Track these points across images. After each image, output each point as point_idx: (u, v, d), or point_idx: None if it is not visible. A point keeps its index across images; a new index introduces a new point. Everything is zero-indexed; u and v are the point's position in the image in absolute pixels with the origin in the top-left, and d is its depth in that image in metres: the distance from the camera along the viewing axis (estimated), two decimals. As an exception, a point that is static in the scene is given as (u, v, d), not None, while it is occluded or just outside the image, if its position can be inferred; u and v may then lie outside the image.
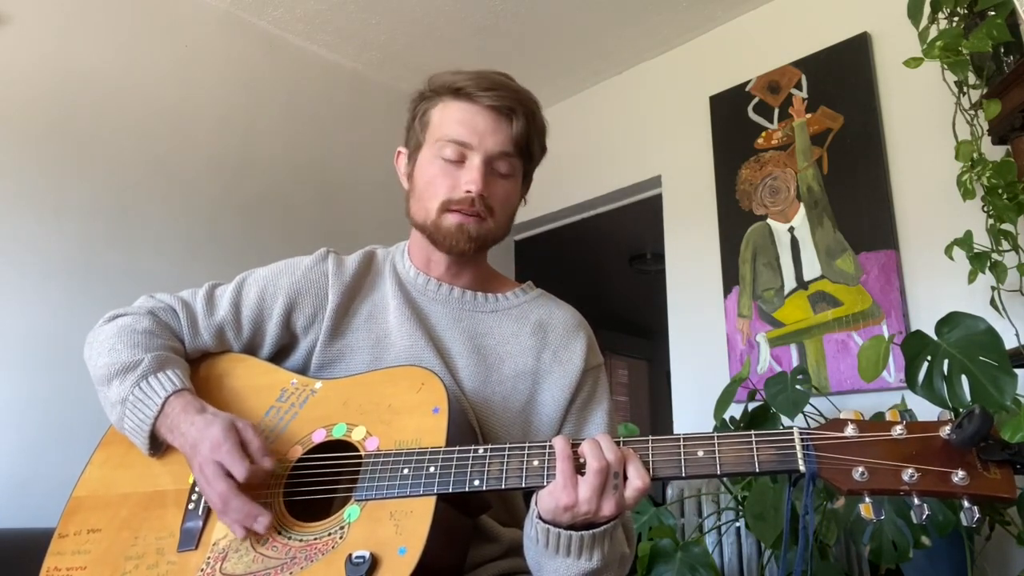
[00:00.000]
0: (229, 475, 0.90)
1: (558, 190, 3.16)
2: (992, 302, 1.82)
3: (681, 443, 0.82)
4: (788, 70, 2.57)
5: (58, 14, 2.27)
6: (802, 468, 0.76)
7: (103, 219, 2.25)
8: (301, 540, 0.89)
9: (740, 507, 2.00)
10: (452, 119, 1.06)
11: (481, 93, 1.05)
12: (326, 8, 2.69)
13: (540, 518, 0.86)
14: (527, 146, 1.08)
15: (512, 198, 1.11)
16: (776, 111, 2.57)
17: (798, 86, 2.53)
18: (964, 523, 0.71)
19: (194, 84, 2.55)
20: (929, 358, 1.53)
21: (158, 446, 1.01)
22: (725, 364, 2.51)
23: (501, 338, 1.11)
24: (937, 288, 2.12)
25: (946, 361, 1.50)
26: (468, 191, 1.04)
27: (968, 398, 1.45)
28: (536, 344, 1.11)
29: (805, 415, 1.94)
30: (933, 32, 1.86)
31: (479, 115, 1.05)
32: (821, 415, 1.99)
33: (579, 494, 0.81)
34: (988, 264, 1.80)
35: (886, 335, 2.16)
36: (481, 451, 0.87)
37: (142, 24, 2.46)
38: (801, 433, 0.78)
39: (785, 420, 1.90)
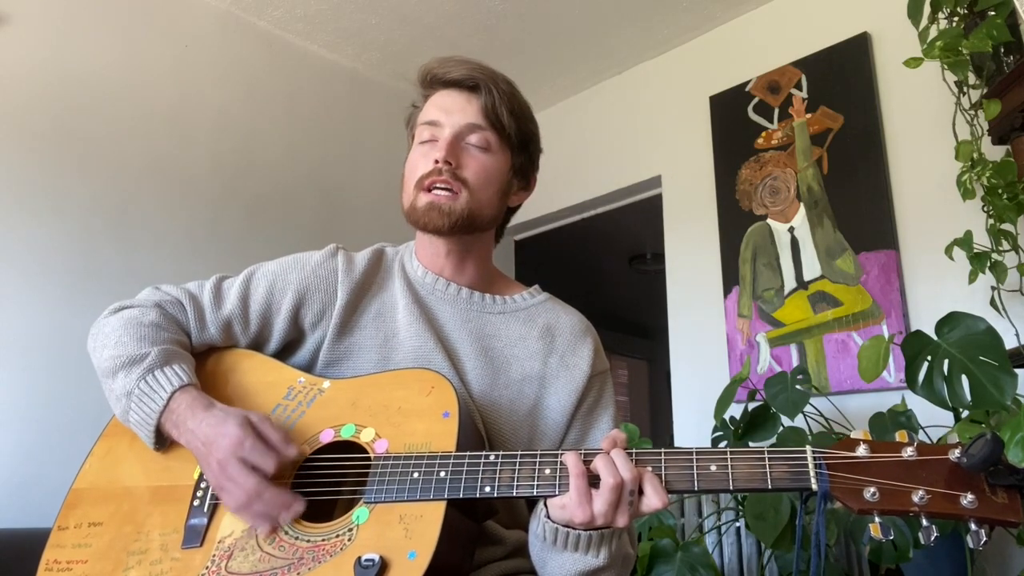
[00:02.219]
0: (255, 469, 0.90)
1: (558, 190, 3.16)
2: (992, 302, 1.83)
3: (695, 457, 0.82)
4: (788, 70, 2.57)
5: (58, 14, 2.27)
6: (814, 487, 0.77)
7: (103, 219, 2.25)
8: (308, 541, 0.88)
9: (740, 507, 2.00)
10: (427, 107, 1.12)
11: (442, 71, 1.10)
12: (326, 8, 2.69)
13: (550, 519, 0.86)
14: (497, 116, 1.09)
15: (491, 172, 1.10)
16: (776, 111, 2.58)
17: (798, 86, 2.54)
18: (971, 545, 0.72)
19: (194, 84, 2.54)
20: (929, 358, 1.53)
21: (163, 441, 1.00)
22: (725, 364, 2.51)
23: (508, 340, 1.11)
24: (937, 288, 2.13)
25: (946, 361, 1.50)
26: (436, 160, 1.06)
27: (968, 398, 1.45)
28: (543, 348, 1.11)
29: (805, 415, 1.94)
30: (933, 32, 1.87)
31: (448, 96, 1.10)
32: (821, 415, 1.99)
33: (594, 509, 0.81)
34: (988, 264, 1.81)
35: (886, 335, 2.17)
36: (492, 457, 0.87)
37: (142, 24, 2.45)
38: (814, 452, 0.79)
39: (785, 420, 1.90)
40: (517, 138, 1.12)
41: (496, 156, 1.10)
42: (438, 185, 1.06)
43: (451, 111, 1.08)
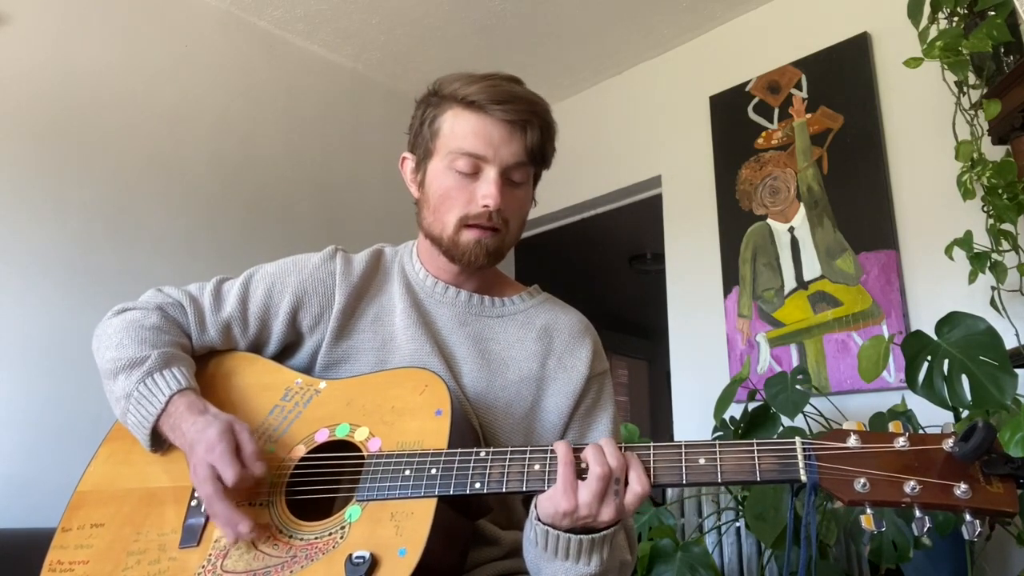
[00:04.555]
0: (219, 478, 0.90)
1: (558, 190, 3.16)
2: (992, 302, 1.82)
3: (683, 450, 0.82)
4: (788, 70, 2.57)
5: (58, 14, 2.27)
6: (803, 478, 0.76)
7: (103, 219, 2.25)
8: (302, 539, 0.89)
9: (740, 507, 2.00)
10: (465, 130, 1.03)
11: (494, 106, 1.02)
12: (326, 8, 2.69)
13: (539, 520, 0.86)
14: (541, 154, 1.07)
15: (525, 205, 1.11)
16: (776, 111, 2.57)
17: (798, 86, 2.53)
18: (966, 536, 0.70)
19: (194, 84, 2.55)
20: (929, 358, 1.53)
21: (160, 443, 1.01)
22: (725, 364, 2.51)
23: (506, 343, 1.11)
24: (937, 288, 2.12)
25: (946, 361, 1.50)
26: (485, 205, 1.02)
27: (968, 398, 1.45)
28: (541, 349, 1.11)
29: (805, 415, 1.94)
30: (933, 32, 1.86)
31: (493, 127, 1.03)
32: (821, 415, 1.99)
33: (579, 499, 0.81)
34: (988, 264, 1.80)
35: (886, 335, 2.16)
36: (483, 454, 0.87)
37: (142, 24, 2.46)
38: (803, 443, 0.78)
39: (785, 420, 1.90)
40: (547, 166, 1.12)
41: (528, 187, 1.10)
42: (485, 227, 1.04)
43: (498, 147, 1.03)
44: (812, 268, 2.38)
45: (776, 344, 2.40)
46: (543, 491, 0.85)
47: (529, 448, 0.87)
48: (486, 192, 1.02)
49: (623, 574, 0.96)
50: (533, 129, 1.04)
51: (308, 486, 0.94)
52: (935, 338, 1.55)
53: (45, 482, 1.93)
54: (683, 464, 0.81)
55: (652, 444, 0.84)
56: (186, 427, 0.95)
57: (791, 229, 2.46)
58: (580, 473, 0.83)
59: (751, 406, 2.01)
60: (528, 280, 1.23)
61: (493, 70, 1.09)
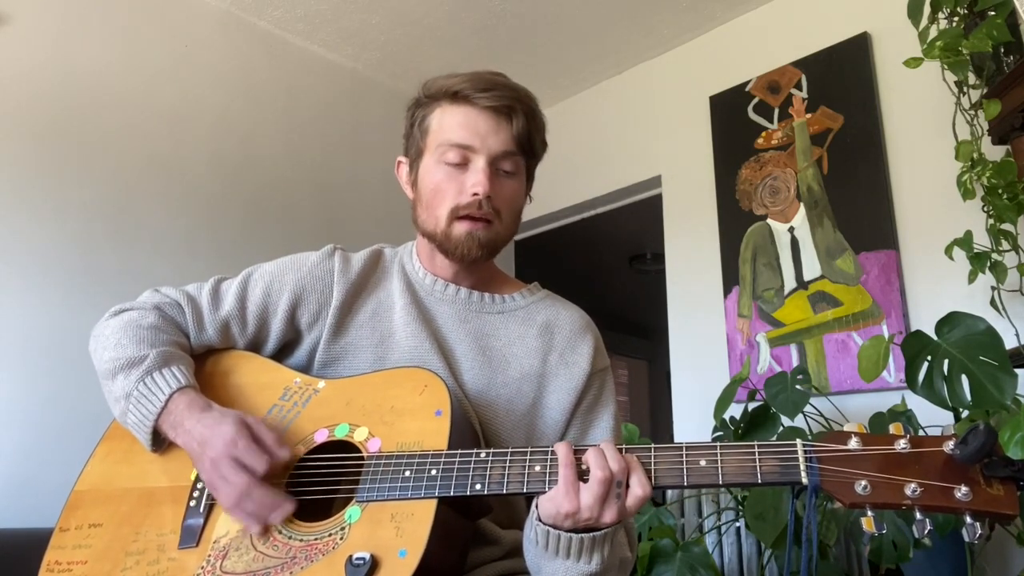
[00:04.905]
0: (246, 469, 0.90)
1: (558, 190, 3.16)
2: (992, 302, 1.82)
3: (684, 452, 0.82)
4: (788, 70, 2.57)
5: (58, 14, 2.27)
6: (804, 480, 0.76)
7: (103, 219, 2.25)
8: (302, 540, 0.88)
9: (740, 507, 2.00)
10: (452, 123, 1.06)
11: (479, 94, 1.04)
12: (326, 8, 2.69)
13: (540, 521, 0.86)
14: (529, 143, 1.08)
15: (518, 197, 1.10)
16: (776, 111, 2.57)
17: (798, 86, 2.53)
18: (967, 539, 0.71)
19: (194, 84, 2.55)
20: (929, 358, 1.53)
21: (160, 442, 1.01)
22: (725, 364, 2.51)
23: (507, 340, 1.11)
24: (937, 288, 2.12)
25: (946, 361, 1.50)
26: (475, 193, 1.03)
27: (968, 398, 1.45)
28: (542, 346, 1.11)
29: (805, 415, 1.94)
30: (933, 32, 1.86)
31: (479, 116, 1.05)
32: (821, 415, 1.99)
33: (581, 501, 0.81)
34: (988, 264, 1.80)
35: (886, 335, 2.16)
36: (483, 455, 0.87)
37: (142, 24, 2.46)
38: (804, 445, 0.78)
39: (785, 420, 1.90)
40: (537, 158, 1.12)
41: (520, 179, 1.10)
42: (476, 217, 1.04)
43: (485, 135, 1.04)
44: (812, 268, 2.38)
45: (776, 344, 2.40)
46: (544, 492, 0.84)
47: (529, 449, 0.87)
48: (475, 180, 1.03)
49: (623, 571, 0.96)
50: (518, 117, 1.05)
51: (307, 487, 0.94)
52: (935, 338, 1.55)
53: (45, 482, 1.92)
54: (684, 466, 0.81)
55: (653, 446, 0.84)
56: (190, 424, 0.95)
57: (791, 229, 2.46)
58: (581, 475, 0.83)
59: (751, 406, 2.01)
60: (528, 280, 1.23)
61: (485, 70, 1.10)
